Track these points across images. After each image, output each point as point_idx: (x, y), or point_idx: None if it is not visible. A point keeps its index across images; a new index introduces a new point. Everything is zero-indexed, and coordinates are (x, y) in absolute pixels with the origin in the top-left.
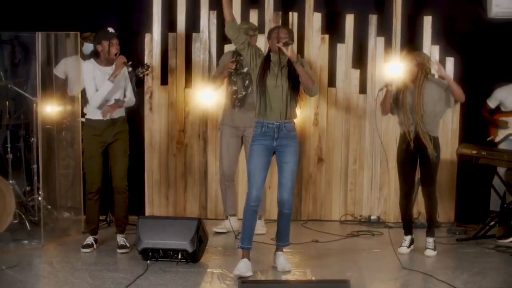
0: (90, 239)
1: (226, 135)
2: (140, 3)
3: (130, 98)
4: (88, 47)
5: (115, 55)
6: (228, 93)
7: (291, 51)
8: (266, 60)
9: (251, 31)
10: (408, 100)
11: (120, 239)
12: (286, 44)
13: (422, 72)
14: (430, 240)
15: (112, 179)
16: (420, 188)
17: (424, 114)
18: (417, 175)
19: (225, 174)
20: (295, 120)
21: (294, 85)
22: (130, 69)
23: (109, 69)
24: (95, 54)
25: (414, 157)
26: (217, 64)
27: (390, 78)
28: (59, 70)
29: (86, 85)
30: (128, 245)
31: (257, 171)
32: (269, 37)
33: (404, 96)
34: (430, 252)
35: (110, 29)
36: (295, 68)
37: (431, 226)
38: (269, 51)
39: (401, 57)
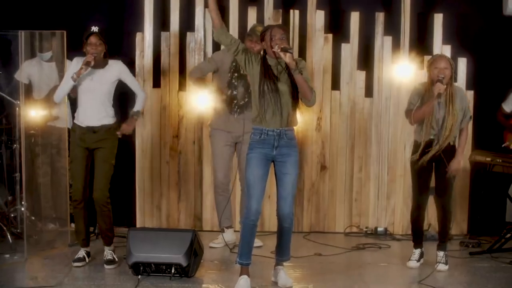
0: (81, 252)
1: (219, 141)
2: (132, 0)
3: (140, 95)
4: (46, 56)
5: (94, 55)
6: (225, 97)
7: (289, 58)
8: (264, 64)
9: (255, 37)
10: (436, 109)
11: (108, 252)
12: (284, 51)
13: (453, 76)
14: (441, 254)
15: (93, 190)
16: (433, 198)
17: (454, 127)
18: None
19: (220, 184)
20: (295, 127)
21: (295, 90)
22: (89, 69)
23: (95, 70)
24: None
25: (430, 166)
26: (206, 59)
27: (438, 76)
28: (21, 75)
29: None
30: (116, 259)
31: (257, 182)
32: (262, 39)
33: (439, 98)
34: (442, 267)
35: (93, 28)
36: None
37: (443, 240)
38: (265, 53)
39: (427, 60)
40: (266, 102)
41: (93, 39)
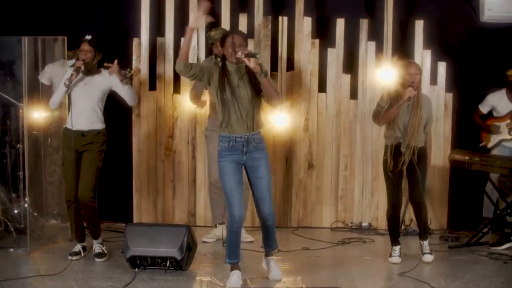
0: (78, 247)
1: (212, 142)
2: (128, 7)
3: (128, 94)
4: (69, 63)
5: (83, 60)
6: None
7: (254, 63)
8: (223, 70)
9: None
10: (402, 114)
11: (96, 246)
12: (250, 56)
13: (421, 84)
14: (425, 243)
15: (78, 190)
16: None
17: (418, 129)
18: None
19: (215, 183)
20: (261, 129)
21: (257, 93)
22: (80, 75)
23: (89, 78)
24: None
25: (400, 167)
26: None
27: (410, 82)
28: (44, 77)
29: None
30: (105, 251)
31: (234, 189)
32: (222, 44)
33: (409, 101)
34: (428, 257)
35: (87, 36)
36: (256, 77)
37: (424, 231)
38: (224, 59)
39: (397, 65)
40: (229, 110)
41: (84, 46)
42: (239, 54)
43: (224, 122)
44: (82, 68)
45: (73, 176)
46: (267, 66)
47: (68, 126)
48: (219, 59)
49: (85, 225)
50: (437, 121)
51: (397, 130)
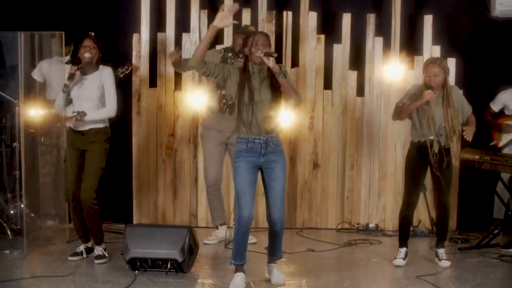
0: (81, 247)
1: (209, 141)
2: (128, 1)
3: (107, 107)
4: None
5: (78, 65)
6: (216, 96)
7: (272, 62)
8: (245, 72)
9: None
10: (433, 110)
11: (98, 249)
12: (268, 55)
13: (447, 79)
14: (442, 251)
15: (80, 191)
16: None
17: (450, 130)
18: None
19: (211, 184)
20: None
21: (277, 96)
22: (78, 77)
23: (86, 76)
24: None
25: (425, 166)
26: None
27: (428, 84)
28: (36, 74)
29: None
30: (106, 255)
31: (246, 191)
32: (244, 45)
33: (427, 105)
34: (446, 263)
35: (91, 33)
36: (277, 78)
37: (443, 238)
38: (246, 60)
39: (426, 63)
40: (247, 111)
41: (87, 42)
42: (259, 53)
43: (243, 123)
44: (77, 74)
45: (74, 175)
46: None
47: (71, 125)
48: (230, 54)
49: None
50: None
51: (426, 128)
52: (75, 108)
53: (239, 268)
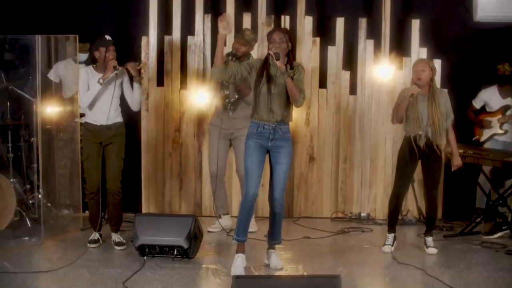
0: (96, 235)
1: (215, 136)
2: (137, 6)
3: (136, 94)
4: (82, 57)
5: (117, 63)
6: (220, 97)
7: (279, 63)
8: (265, 63)
9: (254, 42)
10: (420, 106)
11: (115, 236)
12: (274, 54)
13: (434, 79)
14: (430, 239)
15: (106, 181)
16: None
17: (438, 124)
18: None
19: (215, 176)
20: (290, 122)
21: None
22: (118, 69)
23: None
24: (92, 61)
25: (416, 160)
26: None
27: (416, 81)
28: (52, 75)
29: (80, 87)
30: (124, 241)
31: (254, 168)
32: (268, 40)
33: (415, 103)
34: (433, 250)
35: (107, 37)
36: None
37: (432, 228)
38: (268, 53)
39: (414, 63)
40: (262, 101)
41: (111, 47)
42: (270, 51)
43: (258, 110)
44: (118, 67)
45: (97, 169)
46: None
47: (90, 121)
48: (231, 58)
49: (106, 216)
50: None
51: (414, 124)
52: (99, 103)
53: (240, 245)
